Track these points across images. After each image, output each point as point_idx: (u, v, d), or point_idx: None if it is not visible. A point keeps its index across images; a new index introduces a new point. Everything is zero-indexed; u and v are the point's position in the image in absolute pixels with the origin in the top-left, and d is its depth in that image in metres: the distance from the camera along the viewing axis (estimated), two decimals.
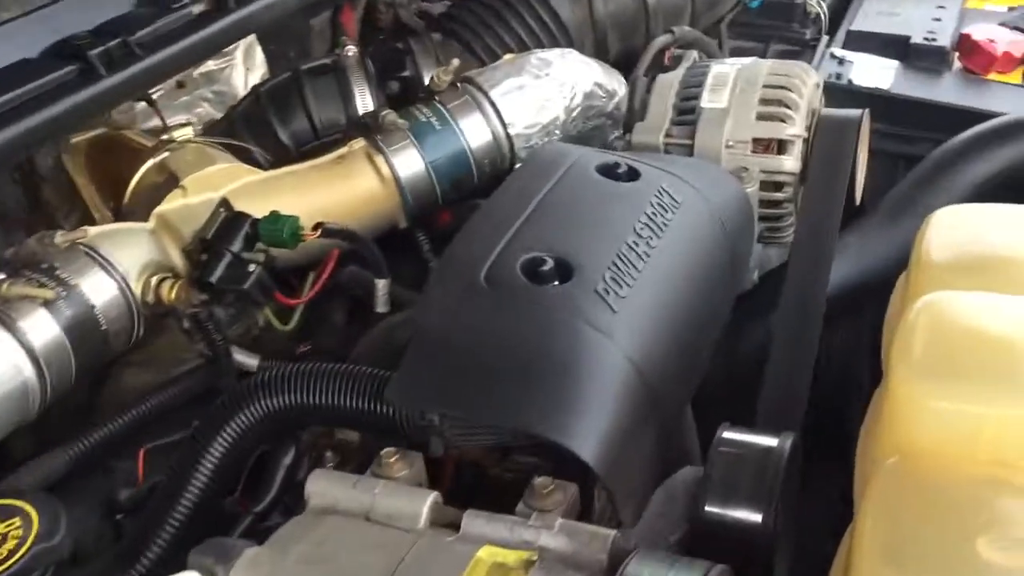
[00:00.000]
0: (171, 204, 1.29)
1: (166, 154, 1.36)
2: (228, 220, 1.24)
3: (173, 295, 1.21)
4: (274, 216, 1.23)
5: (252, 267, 1.21)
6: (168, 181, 1.32)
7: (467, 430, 0.94)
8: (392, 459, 0.92)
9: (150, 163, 1.35)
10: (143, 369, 1.34)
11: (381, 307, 1.37)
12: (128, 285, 1.20)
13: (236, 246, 1.22)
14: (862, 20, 2.06)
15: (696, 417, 1.23)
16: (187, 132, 1.39)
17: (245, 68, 2.07)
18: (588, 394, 0.91)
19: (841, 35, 2.03)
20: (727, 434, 1.05)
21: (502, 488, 1.08)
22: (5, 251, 1.21)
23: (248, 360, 1.31)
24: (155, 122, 1.70)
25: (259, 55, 2.08)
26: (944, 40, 1.93)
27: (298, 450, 1.04)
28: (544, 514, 0.86)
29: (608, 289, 0.98)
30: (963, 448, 0.76)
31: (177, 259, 1.26)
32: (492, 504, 1.00)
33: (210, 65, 2.02)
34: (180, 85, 1.98)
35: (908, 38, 1.95)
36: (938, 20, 2.00)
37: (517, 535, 0.83)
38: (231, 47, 2.00)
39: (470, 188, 1.50)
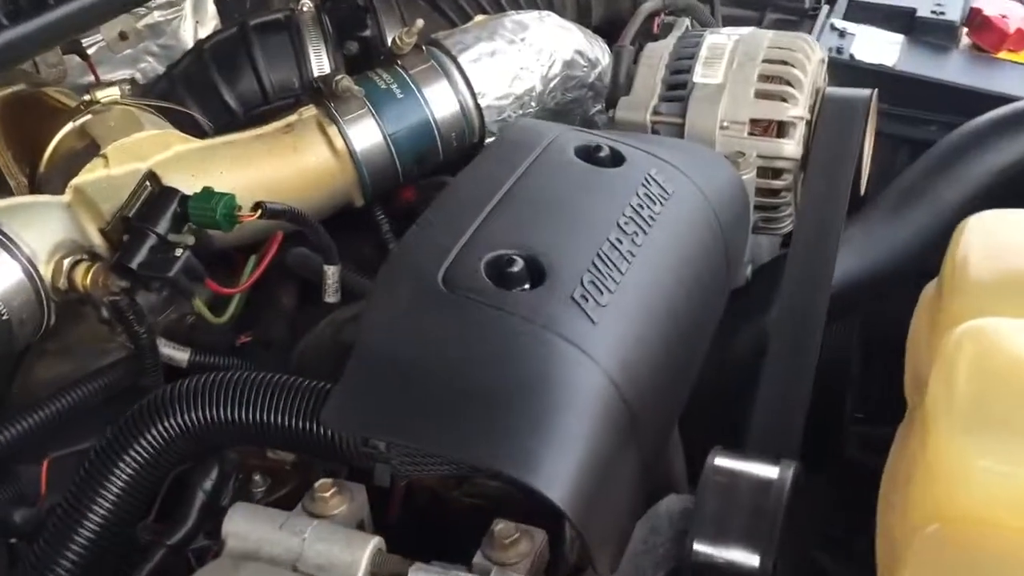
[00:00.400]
0: (90, 175, 1.13)
1: (88, 117, 1.19)
2: (154, 196, 1.08)
3: (88, 280, 1.06)
4: (206, 193, 1.08)
5: (179, 251, 1.05)
6: (88, 148, 1.16)
7: (418, 459, 0.80)
8: (328, 493, 0.78)
9: (68, 127, 1.19)
10: (59, 360, 1.19)
11: (331, 296, 1.23)
12: (35, 268, 1.05)
13: (162, 227, 1.06)
14: None
15: (681, 430, 1.10)
16: (113, 93, 1.22)
17: (195, 21, 1.91)
18: (560, 420, 0.77)
19: (842, 5, 1.88)
20: (719, 461, 0.92)
21: (462, 515, 0.95)
22: None
23: (177, 354, 1.17)
24: (92, 79, 1.55)
25: (210, 7, 1.91)
26: (953, 14, 1.79)
27: (222, 471, 0.90)
28: (506, 569, 0.72)
29: (586, 295, 0.84)
30: (1018, 515, 0.63)
31: (95, 239, 1.10)
32: (450, 535, 0.87)
33: (156, 16, 1.87)
34: (123, 37, 1.81)
35: (914, 11, 1.81)
36: None
37: None
38: None
39: (434, 164, 1.35)
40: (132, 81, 1.47)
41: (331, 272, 1.21)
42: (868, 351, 1.52)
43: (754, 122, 1.22)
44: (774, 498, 0.86)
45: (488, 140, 1.36)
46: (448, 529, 0.93)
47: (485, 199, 0.92)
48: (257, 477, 0.90)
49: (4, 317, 1.02)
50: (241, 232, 1.14)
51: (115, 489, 0.84)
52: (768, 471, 0.88)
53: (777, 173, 1.23)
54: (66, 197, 1.12)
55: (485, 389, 0.78)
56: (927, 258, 0.96)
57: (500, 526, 0.75)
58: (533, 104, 1.38)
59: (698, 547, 0.86)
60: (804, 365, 1.06)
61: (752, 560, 0.84)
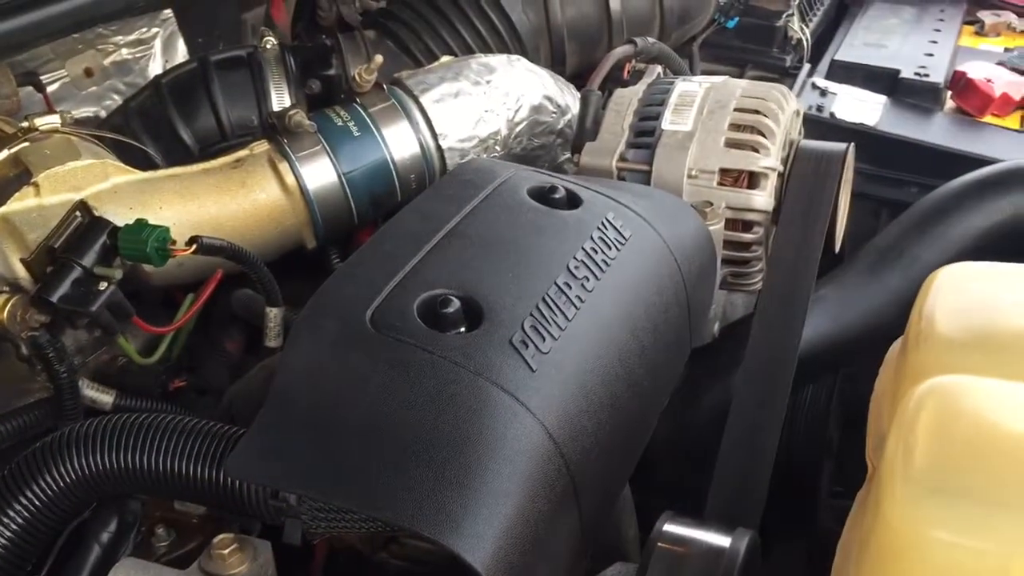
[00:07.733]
0: (19, 204, 1.06)
1: (24, 144, 1.13)
2: (82, 227, 1.02)
3: (6, 314, 0.99)
4: (138, 225, 1.01)
5: (104, 285, 0.98)
6: (21, 176, 1.09)
7: (330, 514, 0.72)
8: (227, 549, 0.70)
9: (3, 154, 1.12)
10: None
11: (272, 341, 1.16)
12: None
13: (88, 259, 1.00)
14: (847, 50, 1.88)
15: (639, 493, 1.03)
16: (53, 121, 1.16)
17: (164, 60, 1.86)
18: (489, 477, 0.70)
19: (824, 64, 1.85)
20: (669, 527, 0.84)
21: None
22: None
23: (101, 396, 1.09)
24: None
25: (181, 47, 1.87)
26: (937, 76, 1.75)
27: (121, 522, 0.82)
28: None
29: (526, 340, 0.77)
30: None
31: (19, 271, 1.04)
32: None
33: (124, 54, 1.82)
34: (88, 74, 1.77)
35: (897, 72, 1.77)
36: (930, 55, 1.83)
37: None
38: (150, 35, 1.82)
39: (392, 206, 1.29)
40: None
41: (273, 314, 1.14)
42: (849, 421, 1.45)
43: (724, 172, 1.16)
44: (724, 570, 0.78)
45: None
46: None
47: (426, 237, 0.85)
48: (160, 530, 0.82)
49: None
50: (181, 269, 1.08)
51: (3, 541, 0.76)
52: (720, 540, 0.81)
53: (747, 226, 1.17)
54: None
55: (407, 440, 0.70)
56: (903, 320, 0.89)
57: None
58: (498, 148, 1.32)
59: None
60: (768, 428, 0.99)
61: None
